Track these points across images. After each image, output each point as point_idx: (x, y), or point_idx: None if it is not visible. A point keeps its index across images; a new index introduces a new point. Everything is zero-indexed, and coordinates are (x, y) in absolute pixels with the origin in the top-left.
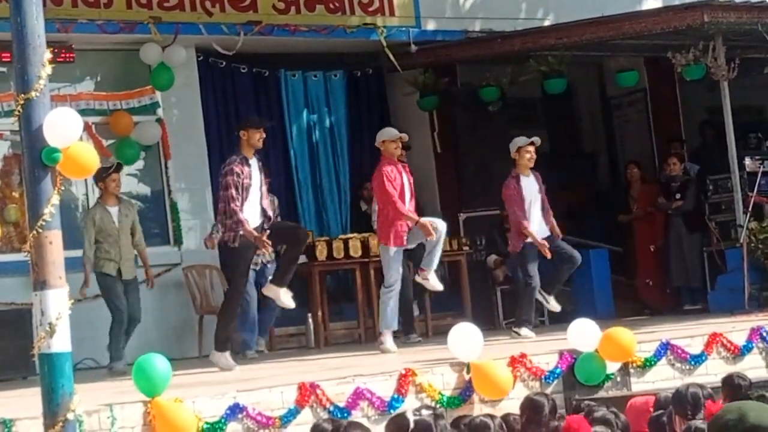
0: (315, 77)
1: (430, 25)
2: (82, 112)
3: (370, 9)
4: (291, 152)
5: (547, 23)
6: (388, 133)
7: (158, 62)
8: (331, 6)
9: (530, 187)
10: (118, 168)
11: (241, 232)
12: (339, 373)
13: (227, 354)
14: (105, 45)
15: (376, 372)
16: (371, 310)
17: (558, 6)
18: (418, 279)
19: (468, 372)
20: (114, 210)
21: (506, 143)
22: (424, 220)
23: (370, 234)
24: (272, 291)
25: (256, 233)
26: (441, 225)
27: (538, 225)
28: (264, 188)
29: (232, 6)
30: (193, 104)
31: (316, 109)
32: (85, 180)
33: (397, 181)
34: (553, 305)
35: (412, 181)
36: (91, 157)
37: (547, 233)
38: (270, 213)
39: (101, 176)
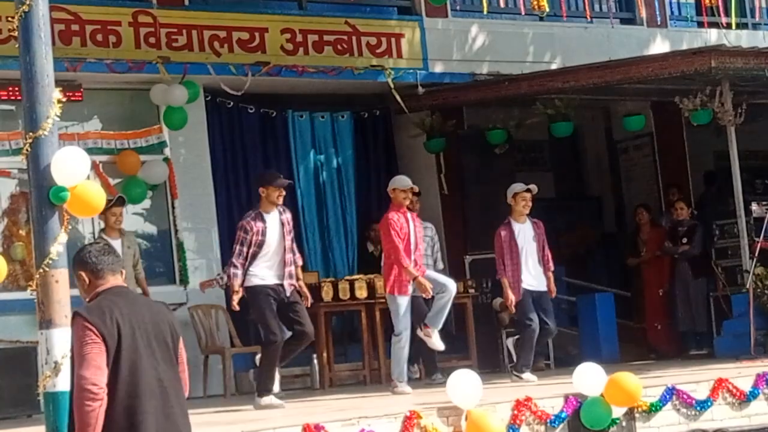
0: (322, 118)
1: (438, 68)
2: (90, 151)
3: (378, 51)
4: (298, 192)
5: (554, 67)
6: (400, 182)
7: (167, 102)
8: (339, 47)
9: (525, 234)
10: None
11: (259, 282)
12: (344, 415)
13: (271, 396)
14: (113, 84)
15: (380, 414)
16: (376, 352)
17: (565, 50)
18: (419, 334)
19: (466, 419)
20: (117, 243)
21: None
22: (428, 277)
23: (376, 275)
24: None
25: (235, 292)
26: (451, 285)
27: (533, 276)
28: (287, 243)
29: (240, 46)
30: (201, 144)
31: (323, 149)
32: (92, 218)
33: (404, 229)
34: (529, 377)
35: (420, 231)
36: (98, 196)
37: (544, 287)
38: (293, 273)
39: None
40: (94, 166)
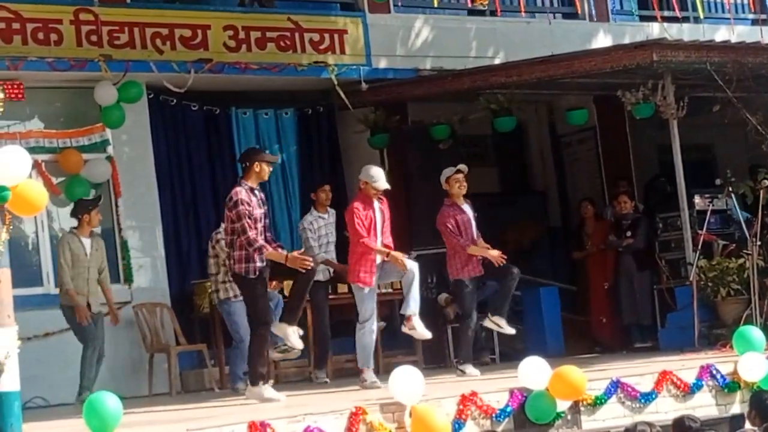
0: (266, 115)
1: (381, 63)
2: (32, 150)
3: (321, 47)
4: None
5: (497, 61)
6: (373, 174)
7: (110, 102)
8: (282, 44)
9: (467, 214)
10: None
11: (258, 264)
12: (289, 412)
13: (268, 385)
14: (55, 82)
15: (326, 410)
16: None
17: (508, 44)
18: (404, 329)
19: (411, 415)
20: (87, 241)
21: None
22: (396, 253)
23: None
24: (280, 329)
25: (287, 253)
26: (412, 264)
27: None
28: (267, 219)
29: (182, 44)
30: (144, 142)
31: (267, 146)
32: (35, 217)
33: (368, 218)
34: (507, 329)
35: (387, 216)
36: (40, 195)
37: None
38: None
39: (85, 208)
40: (36, 165)
